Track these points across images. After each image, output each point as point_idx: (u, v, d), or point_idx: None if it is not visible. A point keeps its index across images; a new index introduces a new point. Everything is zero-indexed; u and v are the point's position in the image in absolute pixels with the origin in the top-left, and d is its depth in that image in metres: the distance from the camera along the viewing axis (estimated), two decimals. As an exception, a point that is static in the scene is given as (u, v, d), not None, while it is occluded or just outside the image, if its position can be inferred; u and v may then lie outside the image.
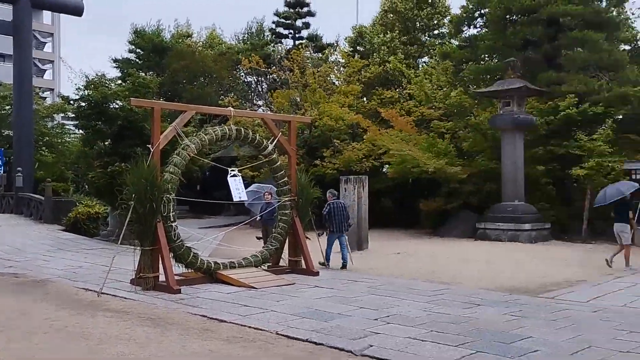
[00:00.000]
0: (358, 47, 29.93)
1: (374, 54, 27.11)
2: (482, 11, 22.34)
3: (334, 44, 33.75)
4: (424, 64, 28.97)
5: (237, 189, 11.37)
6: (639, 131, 22.31)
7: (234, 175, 11.33)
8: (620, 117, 21.96)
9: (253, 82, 33.49)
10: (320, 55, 30.17)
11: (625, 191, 13.26)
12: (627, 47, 23.53)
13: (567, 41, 19.75)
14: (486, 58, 23.09)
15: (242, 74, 33.13)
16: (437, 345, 6.35)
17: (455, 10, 25.28)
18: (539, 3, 19.57)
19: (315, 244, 12.74)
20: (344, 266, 12.63)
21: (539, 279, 11.56)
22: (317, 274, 11.44)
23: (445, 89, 22.26)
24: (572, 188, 20.25)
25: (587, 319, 7.77)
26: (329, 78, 26.72)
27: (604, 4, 21.41)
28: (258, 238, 14.46)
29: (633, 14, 23.74)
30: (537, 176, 19.25)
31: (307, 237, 12.32)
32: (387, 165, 21.84)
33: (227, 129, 10.98)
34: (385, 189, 22.62)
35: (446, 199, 20.27)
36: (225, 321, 7.47)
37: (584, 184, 18.25)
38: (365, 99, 25.98)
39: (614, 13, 21.71)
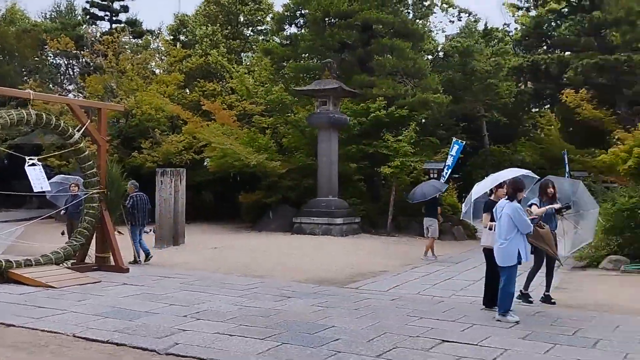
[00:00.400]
0: (180, 37, 29.11)
1: (197, 45, 26.56)
2: (303, 11, 22.99)
3: (155, 31, 32.42)
4: (249, 58, 29.11)
5: (38, 179, 10.39)
6: (438, 134, 24.77)
7: (33, 165, 10.32)
8: (423, 120, 24.17)
9: (63, 64, 30.88)
10: (140, 42, 28.80)
11: (441, 188, 14.69)
12: (430, 57, 25.96)
13: (378, 47, 21.10)
14: (306, 57, 23.82)
15: (50, 55, 30.38)
16: (245, 339, 6.38)
17: (279, 7, 25.78)
18: (354, 9, 20.65)
19: (127, 239, 12.14)
20: (148, 258, 12.28)
21: (347, 270, 12.21)
22: (127, 270, 10.89)
23: (266, 85, 22.56)
24: (380, 185, 21.77)
25: (385, 307, 8.36)
26: (148, 66, 25.66)
27: (411, 15, 23.31)
28: (63, 233, 13.40)
29: (435, 26, 26.25)
30: (350, 173, 20.33)
31: (119, 232, 11.73)
32: (208, 159, 21.56)
33: (24, 114, 9.95)
34: (206, 183, 22.31)
35: (266, 193, 20.57)
36: (13, 325, 6.75)
37: (390, 182, 19.69)
38: (187, 90, 25.38)
39: (419, 25, 23.75)
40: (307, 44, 22.12)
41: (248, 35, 29.10)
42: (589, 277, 11.54)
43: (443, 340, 6.44)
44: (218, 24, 27.26)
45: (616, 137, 16.14)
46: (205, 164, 22.82)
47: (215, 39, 26.35)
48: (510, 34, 33.59)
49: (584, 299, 9.16)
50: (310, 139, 20.44)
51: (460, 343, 6.35)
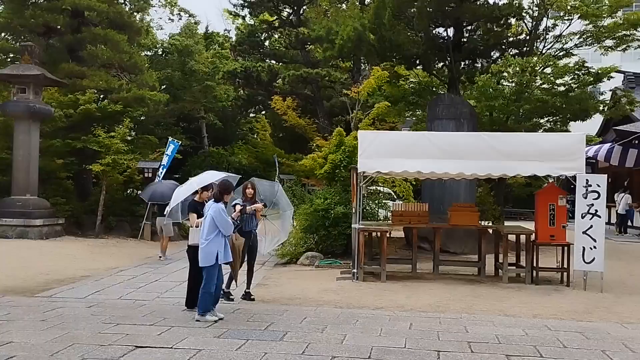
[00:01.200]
0: None
1: None
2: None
3: None
4: None
5: None
6: (156, 133, 24.26)
7: None
8: (142, 118, 23.40)
9: None
10: None
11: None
12: (148, 53, 25.26)
13: (90, 36, 19.66)
14: (1, 37, 21.00)
15: None
16: None
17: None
18: (61, -9, 18.93)
19: None
20: None
21: (42, 277, 11.03)
22: None
23: (-51, 64, 19.23)
24: (90, 183, 20.39)
25: (80, 315, 7.71)
26: None
27: (128, 7, 22.32)
28: None
29: (156, 22, 25.70)
30: (54, 169, 18.62)
31: None
32: None
33: None
34: None
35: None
36: None
37: (101, 180, 18.54)
38: None
39: (137, 18, 22.90)
40: (3, 22, 19.50)
41: None
42: (288, 272, 12.41)
43: (136, 347, 6.18)
44: None
45: (315, 144, 17.81)
46: None
47: None
48: (232, 39, 34.75)
49: (281, 294, 9.79)
50: (5, 130, 18.06)
51: (154, 347, 6.16)
